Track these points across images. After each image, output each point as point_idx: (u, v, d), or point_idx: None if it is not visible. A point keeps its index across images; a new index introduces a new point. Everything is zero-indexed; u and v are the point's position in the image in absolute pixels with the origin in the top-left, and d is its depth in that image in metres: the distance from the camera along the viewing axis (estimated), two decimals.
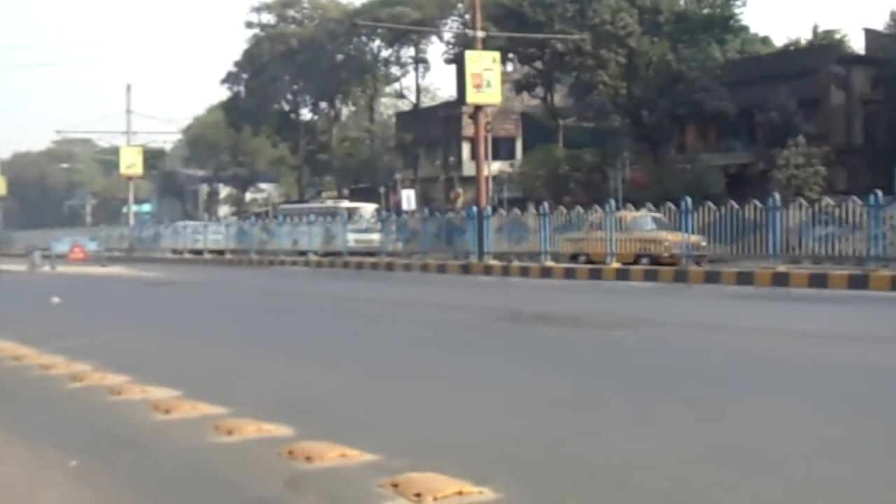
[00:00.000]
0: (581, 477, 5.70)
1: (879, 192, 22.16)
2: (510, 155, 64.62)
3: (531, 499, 5.12)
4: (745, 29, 61.47)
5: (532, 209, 31.84)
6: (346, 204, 50.74)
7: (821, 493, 5.36)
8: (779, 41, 65.25)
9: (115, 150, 68.26)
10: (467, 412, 7.82)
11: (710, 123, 53.91)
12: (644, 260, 27.29)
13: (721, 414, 7.67)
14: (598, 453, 6.32)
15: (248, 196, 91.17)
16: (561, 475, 5.73)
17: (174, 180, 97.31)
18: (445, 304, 19.51)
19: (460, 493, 5.20)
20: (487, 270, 29.36)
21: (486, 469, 5.68)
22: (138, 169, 62.73)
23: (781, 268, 22.58)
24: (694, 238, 25.34)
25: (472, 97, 31.52)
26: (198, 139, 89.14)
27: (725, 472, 5.83)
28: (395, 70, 73.44)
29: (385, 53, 72.18)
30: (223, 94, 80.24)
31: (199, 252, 48.91)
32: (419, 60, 70.31)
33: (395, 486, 5.34)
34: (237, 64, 77.82)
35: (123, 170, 62.44)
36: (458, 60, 33.47)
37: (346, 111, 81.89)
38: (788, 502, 5.21)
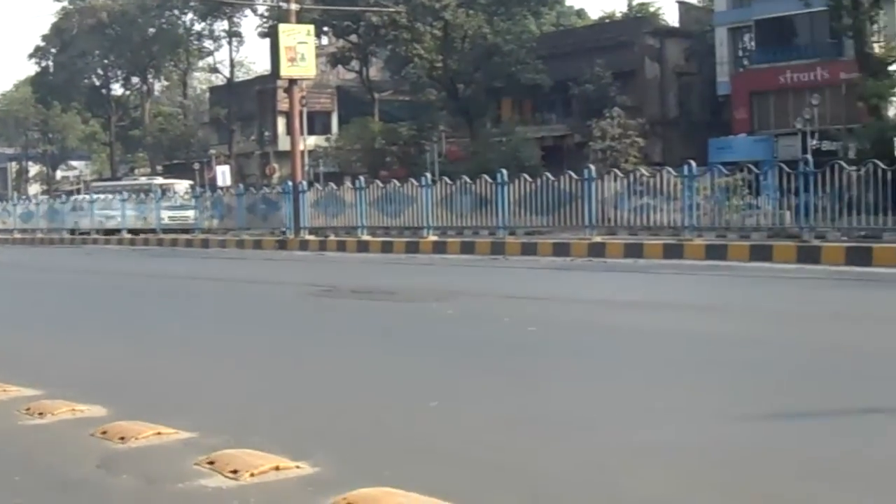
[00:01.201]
0: (398, 448, 5.73)
1: (693, 163, 22.69)
2: (326, 129, 64.36)
3: (348, 472, 5.12)
4: (560, 2, 62.60)
5: (348, 183, 31.79)
6: (159, 181, 49.80)
7: (638, 458, 5.47)
8: (594, 14, 66.68)
9: None
10: (284, 388, 7.77)
11: (526, 96, 54.70)
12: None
13: (539, 382, 7.79)
14: (415, 424, 6.37)
15: (59, 174, 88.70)
16: (378, 447, 5.75)
17: None
18: (261, 280, 19.35)
19: (277, 468, 5.17)
20: (304, 245, 29.20)
21: (303, 444, 5.65)
22: None
23: (598, 238, 22.90)
24: None
25: (287, 71, 31.18)
26: (5, 116, 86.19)
27: (542, 439, 5.93)
28: (208, 44, 72.56)
29: (198, 27, 71.18)
30: (31, 69, 77.88)
31: (9, 231, 47.21)
32: (233, 34, 69.47)
33: (211, 463, 5.26)
34: (45, 38, 75.54)
35: None
36: (271, 34, 33.02)
37: (158, 86, 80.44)
38: (604, 467, 5.30)
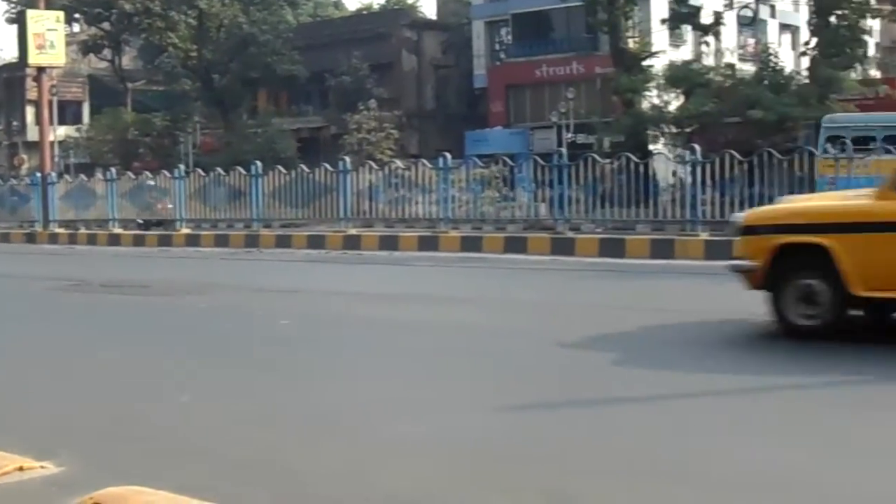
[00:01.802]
0: (147, 445, 5.71)
1: (448, 155, 22.97)
2: (77, 119, 62.26)
3: (95, 471, 5.06)
4: None
5: (99, 175, 30.94)
6: None
7: (394, 452, 5.59)
8: (352, 5, 66.60)
9: None
10: (26, 385, 7.61)
11: (282, 87, 54.30)
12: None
13: (292, 376, 7.87)
14: (165, 420, 6.35)
15: None
16: (126, 445, 5.72)
17: None
18: (6, 275, 18.65)
19: (21, 468, 5.07)
20: (53, 239, 28.28)
21: (49, 443, 5.57)
22: None
23: (353, 231, 23.00)
24: None
25: (35, 58, 30.08)
26: None
27: (296, 434, 6.01)
28: None
29: None
30: None
31: None
32: None
33: None
34: None
35: None
36: (19, 20, 31.75)
37: None
38: (359, 462, 5.40)
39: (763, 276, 8.93)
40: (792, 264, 8.84)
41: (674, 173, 23.27)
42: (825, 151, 22.94)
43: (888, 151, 22.80)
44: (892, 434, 5.92)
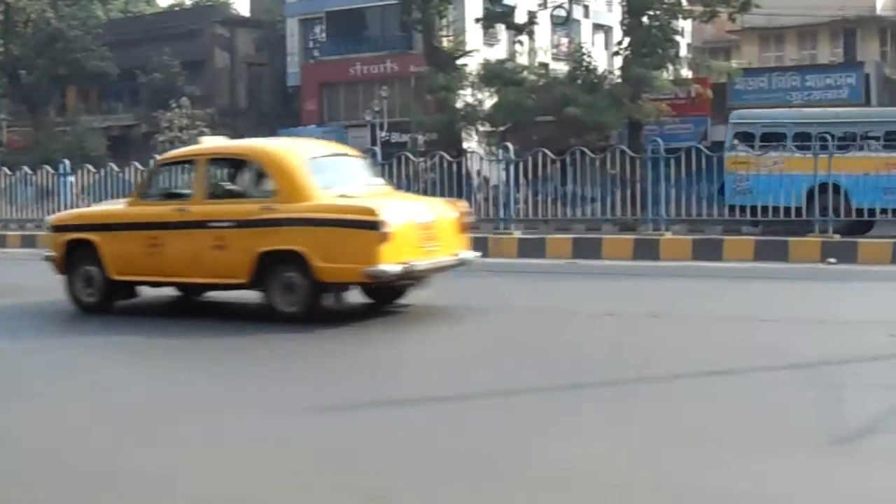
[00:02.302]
0: None
1: None
2: None
3: None
4: None
5: None
6: None
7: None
8: (164, 1, 65.12)
9: None
10: None
11: (91, 84, 52.83)
12: None
13: None
14: None
15: None
16: None
17: None
18: None
19: None
20: None
21: None
22: None
23: None
24: None
25: None
26: None
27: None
28: None
29: None
30: None
31: None
32: None
33: None
34: None
35: None
36: None
37: None
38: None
39: (62, 265, 11.55)
40: (78, 255, 11.33)
41: (478, 173, 23.19)
42: (733, 148, 23.23)
43: (801, 148, 23.06)
44: None
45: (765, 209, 18.94)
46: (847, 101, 35.27)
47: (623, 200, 20.06)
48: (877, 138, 22.12)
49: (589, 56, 35.35)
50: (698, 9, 32.50)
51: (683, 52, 40.83)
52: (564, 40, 47.23)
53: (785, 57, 44.89)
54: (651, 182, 18.90)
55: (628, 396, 6.89)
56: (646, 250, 17.45)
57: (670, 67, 33.41)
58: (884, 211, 19.96)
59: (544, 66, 38.54)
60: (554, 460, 5.36)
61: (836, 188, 19.96)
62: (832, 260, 16.03)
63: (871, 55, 41.62)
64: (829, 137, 19.88)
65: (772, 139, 23.19)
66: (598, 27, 52.49)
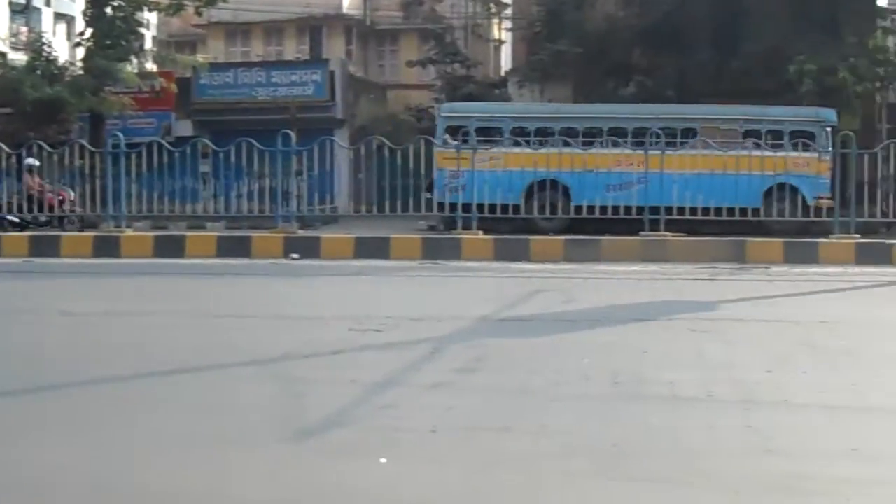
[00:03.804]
0: None
1: None
2: None
3: None
4: None
5: None
6: None
7: None
8: None
9: None
10: None
11: None
12: None
13: None
14: None
15: None
16: None
17: None
18: None
19: None
20: None
21: None
22: None
23: None
24: None
25: None
26: None
27: None
28: None
29: None
30: None
31: None
32: None
33: None
34: None
35: None
36: None
37: None
38: None
39: None
40: None
41: None
42: (445, 143, 22.28)
43: (517, 143, 22.42)
44: None
45: (480, 207, 18.50)
46: (313, 97, 36.29)
47: (83, 196, 19.36)
48: (601, 133, 22.43)
49: (50, 46, 33.79)
50: (164, 1, 31.98)
51: (149, 44, 40.21)
52: (24, 29, 44.96)
53: (252, 52, 45.37)
54: (112, 177, 18.32)
55: (87, 400, 6.46)
56: (106, 247, 16.86)
57: (134, 60, 32.65)
58: (604, 209, 19.29)
59: (2, 55, 36.39)
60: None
61: (558, 185, 20.34)
62: (295, 255, 16.27)
63: (337, 53, 42.92)
64: (552, 133, 20.13)
65: (487, 134, 22.79)
66: (60, 16, 50.49)
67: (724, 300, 11.26)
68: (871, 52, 29.58)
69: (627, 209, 19.19)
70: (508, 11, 43.78)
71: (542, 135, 22.70)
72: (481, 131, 22.26)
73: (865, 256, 16.12)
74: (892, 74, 31.36)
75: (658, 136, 19.37)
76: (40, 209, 20.85)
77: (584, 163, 20.04)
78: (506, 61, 48.83)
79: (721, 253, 16.30)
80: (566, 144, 20.71)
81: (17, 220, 20.53)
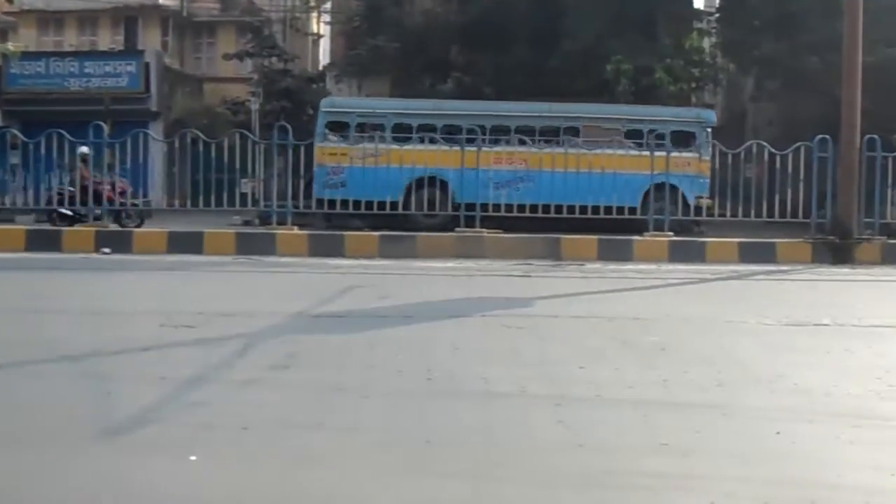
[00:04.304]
0: None
1: None
2: None
3: None
4: None
5: None
6: None
7: None
8: None
9: None
10: None
11: None
12: None
13: None
14: None
15: None
16: None
17: None
18: None
19: None
20: None
21: None
22: None
23: None
24: None
25: None
26: None
27: None
28: None
29: None
30: None
31: None
32: None
33: None
34: None
35: None
36: None
37: None
38: None
39: None
40: None
41: None
42: (325, 138, 21.89)
43: (398, 139, 22.19)
44: None
45: (357, 204, 18.49)
46: (127, 88, 35.62)
47: None
48: (483, 129, 21.99)
49: None
50: None
51: None
52: None
53: (65, 42, 44.05)
54: None
55: None
56: None
57: None
58: (485, 206, 18.80)
59: None
60: None
61: (442, 182, 20.10)
62: (106, 250, 15.94)
63: (153, 44, 42.12)
64: (434, 129, 19.86)
65: (369, 129, 22.62)
66: None
67: (539, 297, 11.46)
68: (686, 53, 30.63)
69: (508, 207, 19.34)
70: (327, 5, 43.68)
71: (425, 131, 22.86)
72: (363, 127, 22.80)
73: (678, 254, 16.66)
74: (706, 75, 32.53)
75: (482, 131, 20.20)
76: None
77: (465, 160, 20.18)
78: (324, 55, 48.71)
79: (537, 250, 16.62)
80: (451, 142, 20.76)
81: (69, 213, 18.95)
